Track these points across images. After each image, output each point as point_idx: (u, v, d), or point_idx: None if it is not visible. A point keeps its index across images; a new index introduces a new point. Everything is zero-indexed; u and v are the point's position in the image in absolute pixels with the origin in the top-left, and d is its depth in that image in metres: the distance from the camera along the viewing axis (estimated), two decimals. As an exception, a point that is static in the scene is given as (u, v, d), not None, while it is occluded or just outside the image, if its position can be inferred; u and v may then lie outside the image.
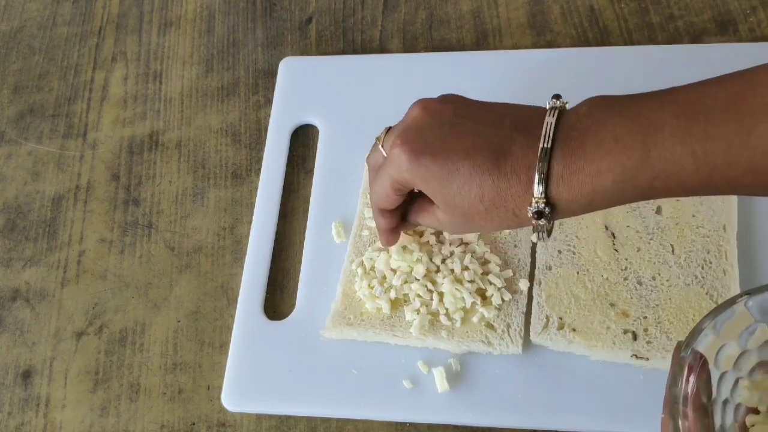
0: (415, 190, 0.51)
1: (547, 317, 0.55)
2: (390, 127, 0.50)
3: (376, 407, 0.56)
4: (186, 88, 0.75)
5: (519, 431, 0.55)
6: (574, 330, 0.55)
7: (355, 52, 0.75)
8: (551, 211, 0.43)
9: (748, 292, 0.42)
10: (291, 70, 0.73)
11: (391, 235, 0.55)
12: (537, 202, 0.43)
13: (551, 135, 0.43)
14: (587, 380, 0.54)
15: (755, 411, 0.42)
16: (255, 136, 0.71)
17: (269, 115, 0.71)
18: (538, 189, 0.43)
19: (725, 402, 0.42)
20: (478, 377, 0.56)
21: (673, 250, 0.57)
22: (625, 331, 0.54)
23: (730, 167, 0.39)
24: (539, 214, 0.43)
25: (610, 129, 0.41)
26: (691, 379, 0.40)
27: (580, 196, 0.42)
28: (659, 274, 0.56)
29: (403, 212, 0.53)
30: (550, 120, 0.43)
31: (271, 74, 0.74)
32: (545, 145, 0.42)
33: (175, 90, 0.75)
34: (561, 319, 0.55)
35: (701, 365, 0.41)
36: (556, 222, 0.59)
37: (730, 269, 0.56)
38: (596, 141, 0.41)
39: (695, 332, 0.41)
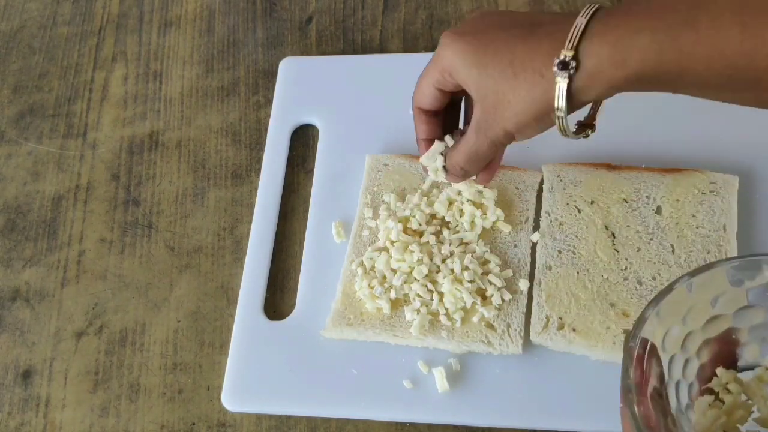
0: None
1: (547, 317, 0.55)
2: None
3: (376, 407, 0.56)
4: (186, 88, 0.75)
5: (519, 431, 0.55)
6: (574, 330, 0.55)
7: (355, 52, 0.75)
8: (576, 67, 0.42)
9: (688, 274, 0.42)
10: (291, 70, 0.73)
11: (426, 145, 0.55)
12: (564, 54, 0.42)
13: (593, 10, 0.43)
14: (587, 380, 0.54)
15: (709, 390, 0.43)
16: (255, 136, 0.71)
17: (269, 115, 0.71)
18: (569, 42, 0.42)
19: (678, 383, 0.42)
20: (478, 377, 0.56)
21: (673, 250, 0.57)
22: (625, 331, 0.54)
23: None
24: (563, 65, 0.42)
25: (658, 7, 0.40)
26: (641, 366, 0.40)
27: (613, 52, 0.41)
28: (659, 274, 0.56)
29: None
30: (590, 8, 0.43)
31: (271, 74, 0.74)
32: (588, 11, 0.42)
33: (175, 90, 0.75)
34: (561, 319, 0.55)
35: (650, 351, 0.41)
36: (556, 221, 0.59)
37: (730, 269, 0.56)
38: (641, 10, 0.40)
39: (640, 321, 0.41)
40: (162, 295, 0.64)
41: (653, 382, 0.41)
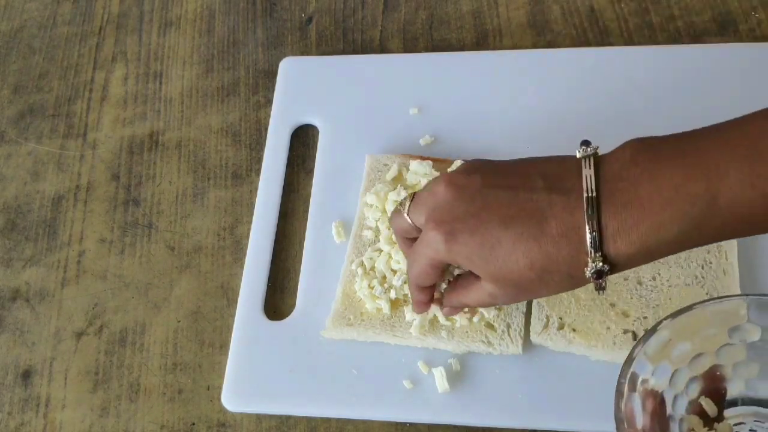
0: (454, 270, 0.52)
1: (547, 317, 0.55)
2: (414, 194, 0.49)
3: (376, 407, 0.56)
4: (186, 88, 0.75)
5: (519, 431, 0.55)
6: (574, 330, 0.55)
7: (355, 52, 0.74)
8: (610, 268, 0.41)
9: (670, 316, 0.44)
10: (291, 70, 0.73)
11: (426, 306, 0.54)
12: (594, 262, 0.41)
13: (594, 188, 0.40)
14: (587, 380, 0.54)
15: (701, 413, 0.45)
16: (255, 136, 0.71)
17: (269, 115, 0.71)
18: (592, 249, 0.40)
19: (670, 417, 0.44)
20: (478, 377, 0.56)
21: (673, 250, 0.57)
22: (625, 331, 0.54)
23: None
24: (599, 274, 0.41)
25: (666, 177, 0.39)
26: (631, 401, 0.42)
27: (641, 249, 0.40)
28: (659, 274, 0.56)
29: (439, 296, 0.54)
30: (588, 172, 0.41)
31: (271, 74, 0.74)
32: (591, 203, 0.40)
33: (175, 90, 0.75)
34: (561, 319, 0.55)
35: (642, 386, 0.43)
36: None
37: (730, 269, 0.56)
38: (653, 191, 0.39)
39: (629, 360, 0.43)
40: (162, 295, 0.64)
41: (647, 415, 0.43)
